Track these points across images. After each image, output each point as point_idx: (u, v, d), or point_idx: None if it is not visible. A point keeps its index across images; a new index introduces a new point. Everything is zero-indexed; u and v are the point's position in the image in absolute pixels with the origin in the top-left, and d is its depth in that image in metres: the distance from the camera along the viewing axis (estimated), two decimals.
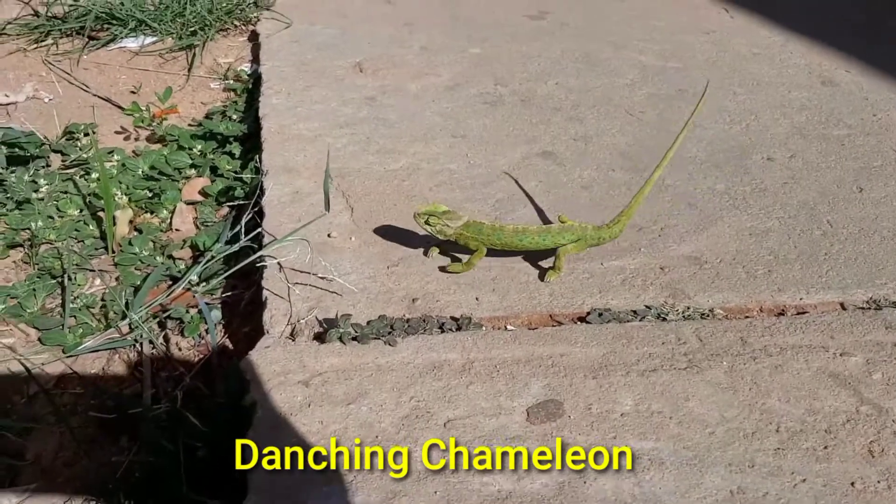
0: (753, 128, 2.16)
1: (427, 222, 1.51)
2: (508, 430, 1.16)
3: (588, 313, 1.42)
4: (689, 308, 1.44)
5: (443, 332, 1.36)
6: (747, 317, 1.44)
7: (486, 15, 3.02)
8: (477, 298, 1.46)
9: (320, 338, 1.34)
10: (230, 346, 1.53)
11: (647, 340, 1.34)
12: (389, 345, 1.31)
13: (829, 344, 1.34)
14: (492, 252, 1.53)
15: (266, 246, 1.56)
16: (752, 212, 1.76)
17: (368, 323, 1.36)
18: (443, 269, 1.54)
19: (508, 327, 1.40)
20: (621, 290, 1.49)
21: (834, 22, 3.01)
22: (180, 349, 1.53)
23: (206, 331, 1.57)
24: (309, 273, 1.50)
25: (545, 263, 1.56)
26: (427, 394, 1.22)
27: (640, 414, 1.20)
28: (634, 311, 1.43)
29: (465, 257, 1.55)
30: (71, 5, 2.84)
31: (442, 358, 1.29)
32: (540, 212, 1.74)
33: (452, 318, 1.40)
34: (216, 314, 1.56)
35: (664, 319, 1.41)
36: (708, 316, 1.43)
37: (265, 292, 1.45)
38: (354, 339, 1.32)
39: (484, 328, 1.39)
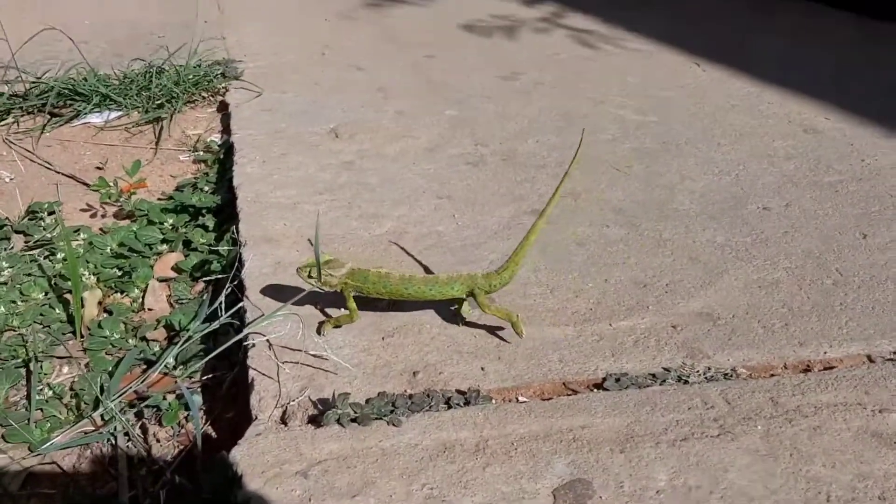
0: (743, 178, 2.11)
1: (310, 275, 1.42)
2: None
3: (604, 379, 1.31)
4: (709, 368, 1.35)
5: (450, 407, 1.24)
6: (772, 375, 1.35)
7: (459, 78, 2.98)
8: (482, 368, 1.35)
9: (315, 421, 1.22)
10: (213, 434, 1.40)
11: (672, 406, 1.24)
12: (393, 425, 1.19)
13: (865, 400, 1.25)
14: (367, 302, 1.46)
15: (252, 322, 1.44)
16: (756, 263, 1.69)
17: (368, 401, 1.24)
18: (320, 325, 1.46)
19: (520, 399, 1.29)
20: (635, 352, 1.39)
21: (805, 72, 3.02)
22: (158, 440, 1.40)
23: (187, 419, 1.44)
24: (298, 350, 1.38)
25: None
26: (440, 479, 1.10)
27: (677, 490, 1.09)
28: (653, 375, 1.33)
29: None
30: (32, 83, 2.74)
31: (452, 437, 1.17)
32: (536, 271, 1.65)
33: (459, 391, 1.29)
34: (197, 399, 1.43)
35: (686, 382, 1.31)
36: (731, 376, 1.34)
37: (252, 372, 1.33)
38: (354, 420, 1.20)
39: (494, 401, 1.28)
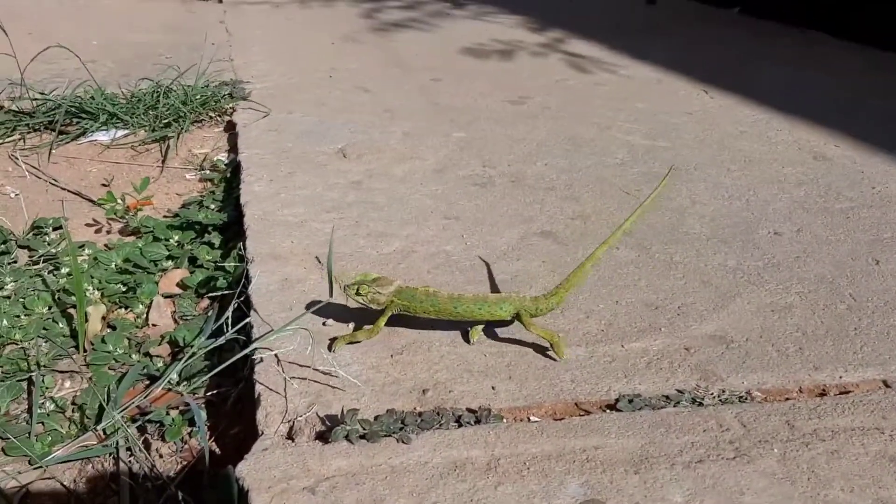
0: (754, 203, 2.10)
1: (358, 292, 1.40)
2: None
3: (617, 400, 1.29)
4: (724, 391, 1.33)
5: (460, 426, 1.22)
6: (788, 398, 1.33)
7: (465, 101, 2.98)
8: (493, 387, 1.33)
9: (323, 437, 1.20)
10: (217, 450, 1.37)
11: (687, 428, 1.22)
12: (403, 442, 1.17)
13: (883, 425, 1.23)
14: (422, 322, 1.45)
15: (260, 338, 1.42)
16: (769, 287, 1.67)
17: (376, 418, 1.22)
18: (331, 342, 1.44)
19: (532, 418, 1.26)
20: (648, 373, 1.37)
21: (814, 100, 3.03)
22: (161, 456, 1.37)
23: (190, 434, 1.41)
24: (306, 366, 1.36)
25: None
26: (451, 498, 1.07)
27: None
28: (667, 397, 1.30)
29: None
30: (39, 100, 2.74)
31: (463, 456, 1.15)
32: (546, 291, 1.63)
33: (469, 409, 1.26)
34: (202, 414, 1.41)
35: (700, 404, 1.29)
36: (746, 399, 1.31)
37: (258, 387, 1.31)
38: (363, 437, 1.17)
39: (505, 420, 1.25)
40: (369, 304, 1.41)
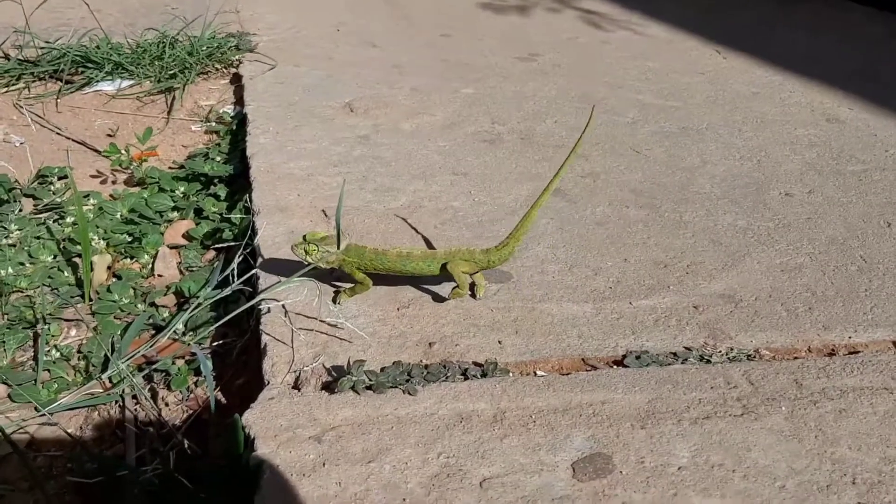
0: (765, 164, 2.07)
1: (307, 251, 1.38)
2: (554, 490, 1.01)
3: (624, 356, 1.28)
4: (732, 349, 1.32)
5: (466, 378, 1.21)
6: (796, 357, 1.32)
7: (475, 57, 2.94)
8: (500, 342, 1.32)
9: (329, 387, 1.19)
10: (223, 400, 1.37)
11: (695, 385, 1.21)
12: (409, 394, 1.16)
13: (892, 385, 1.22)
14: (378, 277, 1.43)
15: (267, 288, 1.41)
16: (779, 248, 1.65)
17: (383, 370, 1.22)
18: (337, 294, 1.43)
19: (538, 373, 1.26)
20: (655, 330, 1.36)
21: (830, 64, 2.98)
22: (167, 404, 1.37)
23: (196, 384, 1.41)
24: (312, 317, 1.35)
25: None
26: (457, 449, 1.07)
27: (699, 467, 1.06)
28: (674, 354, 1.30)
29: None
30: (44, 48, 2.71)
31: (469, 408, 1.14)
32: (554, 248, 1.62)
33: (475, 363, 1.26)
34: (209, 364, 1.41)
35: (708, 362, 1.28)
36: (754, 357, 1.31)
37: (265, 338, 1.30)
38: (369, 388, 1.17)
39: (511, 374, 1.25)
40: (318, 262, 1.39)
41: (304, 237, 1.40)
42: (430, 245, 1.63)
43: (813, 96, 2.60)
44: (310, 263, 1.39)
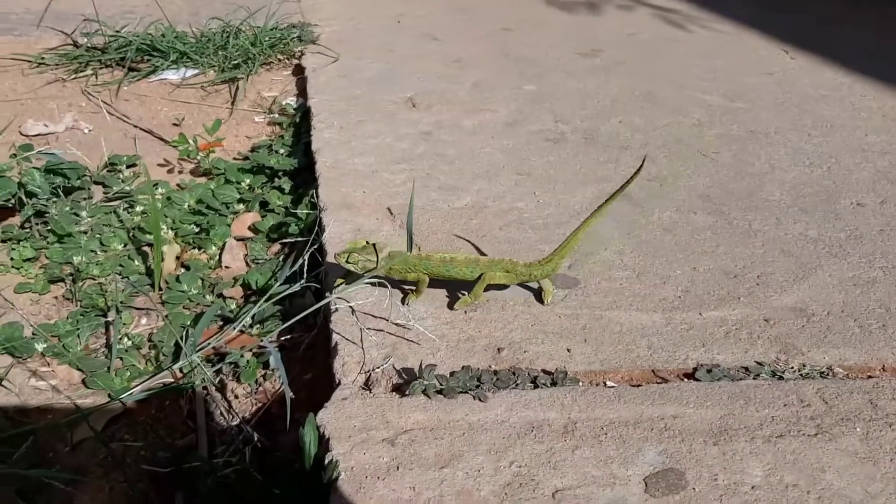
0: (835, 171, 2.03)
1: (348, 260, 1.39)
2: None
3: (695, 369, 1.27)
4: (804, 365, 1.30)
5: (536, 386, 1.22)
6: (870, 376, 1.29)
7: (536, 52, 2.92)
8: (568, 350, 1.32)
9: (399, 389, 1.20)
10: (291, 395, 1.38)
11: (767, 401, 1.20)
12: (479, 400, 1.17)
13: None
14: (434, 280, 1.43)
15: (338, 286, 1.43)
16: (851, 260, 1.62)
17: (452, 374, 1.22)
18: (405, 296, 1.44)
19: (608, 383, 1.26)
20: (726, 343, 1.35)
21: None
22: (236, 396, 1.40)
23: (264, 377, 1.43)
24: (381, 318, 1.37)
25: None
26: (528, 458, 1.07)
27: (772, 487, 1.05)
28: (746, 368, 1.28)
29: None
30: (111, 36, 2.76)
31: (540, 417, 1.15)
32: (621, 254, 1.61)
33: (545, 371, 1.26)
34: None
35: (781, 378, 1.26)
36: (827, 375, 1.29)
37: (335, 336, 1.32)
38: (440, 392, 1.18)
39: (581, 384, 1.24)
40: (360, 271, 1.40)
41: (346, 247, 1.42)
42: (480, 252, 1.61)
43: (885, 101, 2.53)
44: (354, 271, 1.40)
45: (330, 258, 1.55)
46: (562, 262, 1.43)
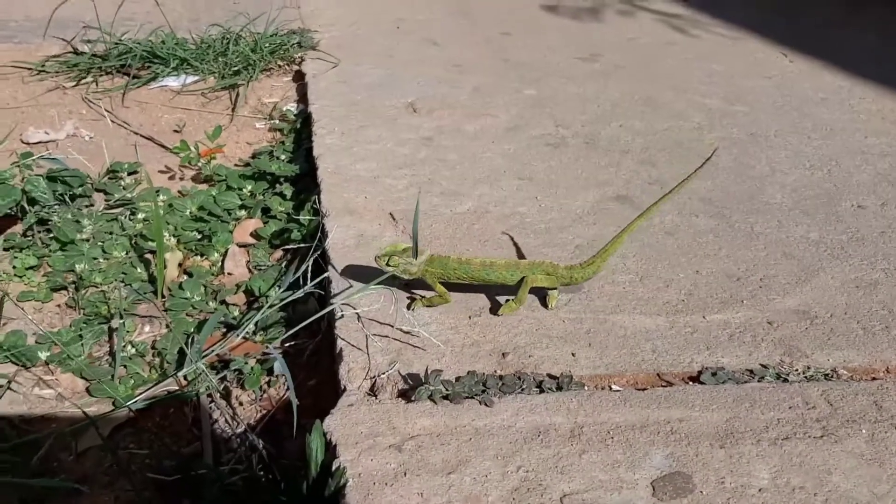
0: (836, 174, 2.03)
1: (389, 263, 1.39)
2: None
3: (700, 372, 1.28)
4: (809, 367, 1.30)
5: (542, 391, 1.22)
6: (874, 378, 1.30)
7: (536, 57, 2.93)
8: (573, 354, 1.32)
9: (405, 395, 1.21)
10: (296, 401, 1.38)
11: (773, 404, 1.20)
12: (486, 405, 1.17)
13: None
14: (459, 286, 1.43)
15: (341, 293, 1.43)
16: (853, 262, 1.63)
17: (458, 380, 1.22)
18: (411, 302, 1.44)
19: (613, 387, 1.26)
20: (730, 346, 1.35)
21: None
22: (241, 403, 1.40)
23: (268, 384, 1.43)
24: (386, 324, 1.37)
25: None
26: (536, 463, 1.07)
27: (780, 490, 1.05)
28: (751, 371, 1.29)
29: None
30: (112, 44, 2.76)
31: (547, 421, 1.15)
32: (624, 257, 1.61)
33: (550, 375, 1.26)
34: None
35: (785, 380, 1.27)
36: (832, 377, 1.29)
37: (340, 343, 1.32)
38: (445, 397, 1.18)
39: (586, 388, 1.24)
40: (401, 274, 1.41)
41: (386, 250, 1.42)
42: (520, 254, 1.62)
43: (884, 103, 2.54)
44: (393, 274, 1.41)
45: (335, 265, 1.55)
46: (604, 264, 1.43)
